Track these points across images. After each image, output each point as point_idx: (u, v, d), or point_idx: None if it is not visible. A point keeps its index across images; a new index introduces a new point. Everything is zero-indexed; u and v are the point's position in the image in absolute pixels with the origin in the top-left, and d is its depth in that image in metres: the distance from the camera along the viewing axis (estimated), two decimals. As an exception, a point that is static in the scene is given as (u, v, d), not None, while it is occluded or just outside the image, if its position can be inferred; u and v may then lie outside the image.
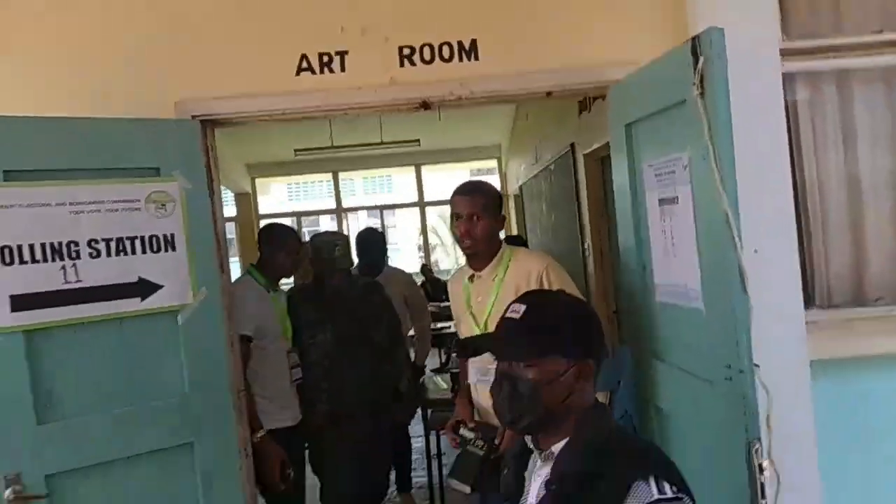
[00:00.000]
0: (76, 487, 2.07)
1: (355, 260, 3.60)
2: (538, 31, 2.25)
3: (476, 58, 2.28)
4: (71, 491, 2.05)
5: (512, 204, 9.18)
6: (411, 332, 4.04)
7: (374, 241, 3.99)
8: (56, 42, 2.30)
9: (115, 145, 2.18)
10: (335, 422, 2.96)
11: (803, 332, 2.07)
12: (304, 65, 2.31)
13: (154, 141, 2.23)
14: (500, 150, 9.88)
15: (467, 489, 2.04)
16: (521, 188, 8.02)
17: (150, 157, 2.23)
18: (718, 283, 1.64)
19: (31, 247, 2.05)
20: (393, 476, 3.75)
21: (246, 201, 10.58)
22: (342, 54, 2.30)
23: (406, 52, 2.29)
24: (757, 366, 1.58)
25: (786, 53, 2.17)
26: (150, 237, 2.23)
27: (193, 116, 2.33)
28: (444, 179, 13.38)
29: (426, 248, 11.14)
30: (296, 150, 8.30)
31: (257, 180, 10.77)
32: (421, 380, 4.09)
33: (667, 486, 1.09)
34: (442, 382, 3.98)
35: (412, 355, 3.92)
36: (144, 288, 2.22)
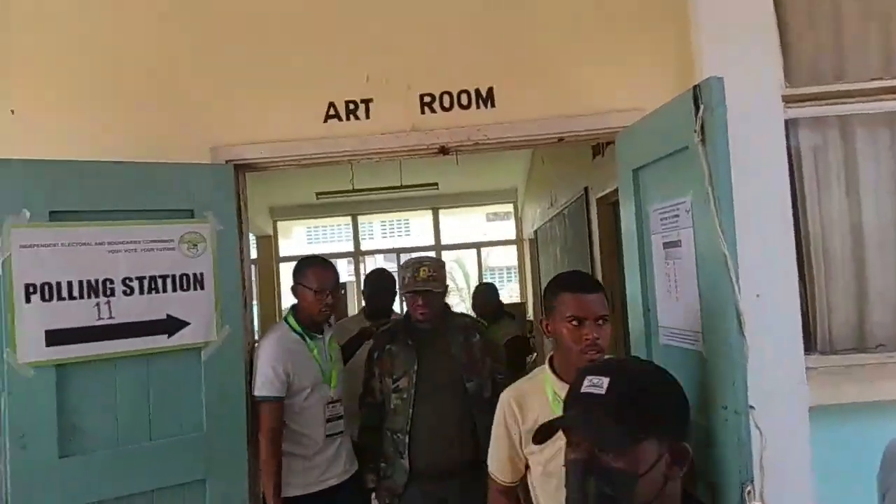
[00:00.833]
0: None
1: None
2: (551, 80, 2.37)
3: (492, 105, 2.40)
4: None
5: (526, 248, 9.26)
6: None
7: (383, 283, 3.54)
8: (101, 89, 2.46)
9: (153, 188, 2.31)
10: (416, 482, 2.50)
11: (803, 376, 2.10)
12: (332, 112, 2.45)
13: (190, 184, 2.36)
14: (516, 194, 10.02)
15: None
16: (535, 232, 8.11)
17: (185, 200, 2.36)
18: (717, 326, 1.69)
19: (70, 284, 2.17)
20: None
21: (267, 244, 10.76)
22: (367, 102, 2.44)
23: (427, 99, 2.42)
24: (752, 408, 1.62)
25: (789, 100, 2.27)
26: (181, 276, 2.34)
27: (227, 161, 2.46)
28: (461, 224, 13.54)
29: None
30: (317, 194, 8.49)
31: (279, 223, 10.99)
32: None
33: None
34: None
35: None
36: (172, 325, 2.32)
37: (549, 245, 7.10)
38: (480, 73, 2.39)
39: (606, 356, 1.66)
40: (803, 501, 2.05)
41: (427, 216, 10.86)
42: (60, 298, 2.15)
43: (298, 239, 13.21)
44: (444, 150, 2.43)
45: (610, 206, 4.19)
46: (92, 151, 2.23)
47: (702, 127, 1.66)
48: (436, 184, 8.28)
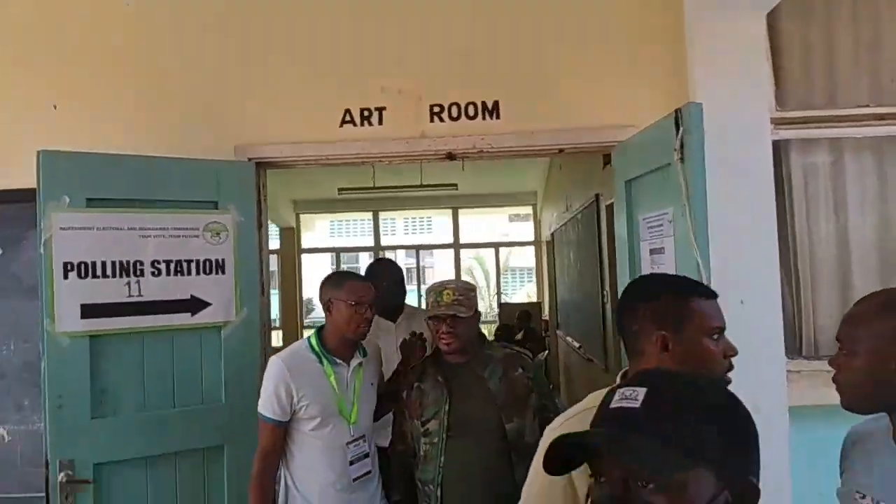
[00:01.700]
0: (118, 477, 2.35)
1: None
2: (553, 95, 2.54)
3: (497, 116, 2.57)
4: (114, 480, 2.34)
5: (544, 250, 9.40)
6: None
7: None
8: (138, 90, 2.67)
9: (181, 181, 2.51)
10: None
11: (783, 379, 2.24)
12: (347, 118, 2.64)
13: (215, 178, 2.56)
14: (535, 196, 10.16)
15: None
16: (552, 235, 8.25)
17: (210, 192, 2.56)
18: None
19: (103, 263, 2.38)
20: None
21: (290, 235, 11.04)
22: (381, 110, 2.63)
23: (436, 109, 2.60)
24: None
25: (778, 122, 2.41)
26: (204, 261, 2.55)
27: (249, 159, 2.66)
28: (482, 223, 13.71)
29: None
30: (339, 189, 8.72)
31: (302, 216, 11.25)
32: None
33: None
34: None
35: None
36: (195, 304, 2.52)
37: (563, 247, 7.25)
38: (487, 86, 2.57)
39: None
40: (781, 499, 2.19)
41: (448, 215, 11.04)
42: (95, 276, 2.36)
43: (321, 232, 13.48)
44: (451, 156, 2.61)
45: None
46: (126, 145, 2.44)
47: (681, 146, 1.82)
48: (455, 184, 8.46)
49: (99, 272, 2.37)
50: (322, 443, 2.20)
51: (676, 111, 1.85)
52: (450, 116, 2.58)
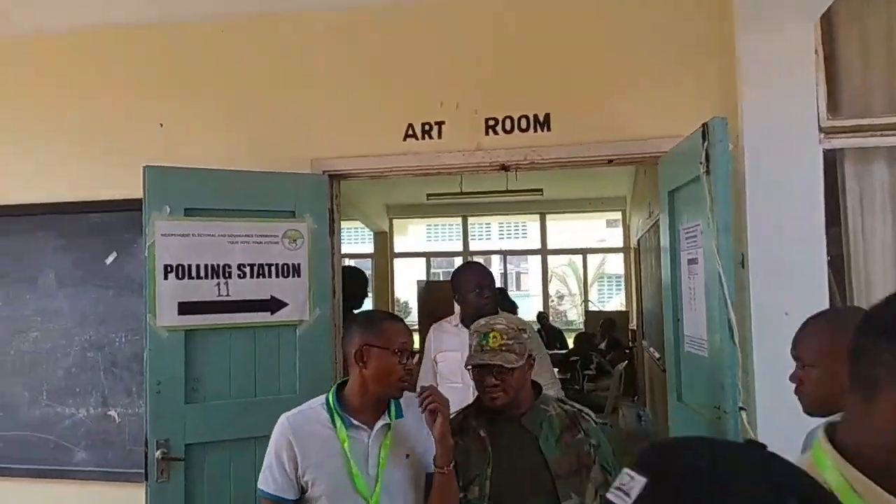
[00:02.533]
0: (205, 456, 2.65)
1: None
2: (601, 107, 2.64)
3: (548, 129, 2.70)
4: (202, 458, 2.65)
5: (632, 257, 9.27)
6: None
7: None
8: (227, 110, 3.02)
9: (264, 192, 2.81)
10: None
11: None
12: (410, 132, 2.86)
13: (293, 190, 2.85)
14: (624, 202, 10.03)
15: None
16: (638, 242, 8.15)
17: (288, 202, 2.85)
18: (716, 334, 1.91)
19: (198, 266, 2.72)
20: None
21: (383, 239, 11.50)
22: (440, 124, 2.83)
23: (491, 122, 2.76)
24: (743, 408, 1.82)
25: (830, 131, 2.38)
26: (283, 265, 2.84)
27: (324, 171, 2.94)
28: (578, 227, 13.61)
29: (545, 296, 11.41)
30: (428, 195, 9.03)
31: (395, 220, 11.69)
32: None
33: None
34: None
35: None
36: (274, 304, 2.82)
37: (647, 255, 7.16)
38: (539, 99, 2.70)
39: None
40: None
41: (538, 220, 11.11)
42: (190, 277, 2.71)
43: (414, 236, 13.87)
44: (504, 168, 2.77)
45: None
46: (216, 159, 2.78)
47: (706, 159, 1.89)
48: (540, 189, 8.54)
49: (193, 274, 2.71)
50: None
51: (703, 125, 1.92)
52: (504, 129, 2.74)
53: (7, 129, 3.20)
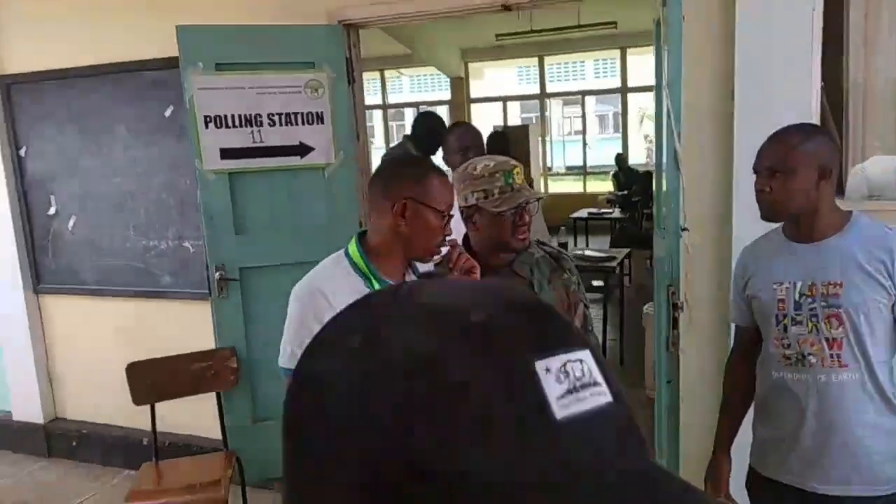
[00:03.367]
0: (255, 278, 3.17)
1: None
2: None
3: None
4: (252, 280, 3.16)
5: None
6: None
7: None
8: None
9: (286, 46, 3.06)
10: None
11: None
12: (417, -23, 2.94)
13: (310, 42, 3.07)
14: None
15: None
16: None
17: (308, 54, 3.09)
18: (664, 160, 2.06)
19: (233, 116, 3.07)
20: None
21: (459, 85, 11.47)
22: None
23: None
24: (685, 229, 2.01)
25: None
26: (307, 113, 3.14)
27: (339, 21, 3.11)
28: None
29: (624, 137, 11.15)
30: (497, 35, 8.83)
31: (470, 65, 11.55)
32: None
33: None
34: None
35: None
36: (303, 150, 3.16)
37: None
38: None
39: None
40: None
41: (616, 56, 10.62)
42: (227, 126, 3.07)
43: (493, 80, 13.62)
44: (506, 7, 2.83)
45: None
46: (238, 16, 3.01)
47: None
48: (614, 23, 8.14)
49: (230, 123, 3.07)
50: None
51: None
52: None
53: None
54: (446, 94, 11.40)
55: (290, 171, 3.17)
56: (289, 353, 1.56)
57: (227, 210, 3.10)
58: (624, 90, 10.43)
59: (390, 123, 12.78)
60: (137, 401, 2.96)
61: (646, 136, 14.38)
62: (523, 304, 0.36)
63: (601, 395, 0.33)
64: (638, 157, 12.02)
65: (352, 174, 3.22)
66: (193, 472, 2.85)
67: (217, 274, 3.10)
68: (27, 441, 3.97)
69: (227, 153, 3.08)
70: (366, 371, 0.33)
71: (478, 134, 2.59)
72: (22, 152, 3.82)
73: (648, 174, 8.34)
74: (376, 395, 0.32)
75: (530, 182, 1.73)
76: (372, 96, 11.47)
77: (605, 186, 10.82)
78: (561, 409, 0.31)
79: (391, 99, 12.66)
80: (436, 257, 1.66)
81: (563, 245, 5.80)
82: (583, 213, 8.69)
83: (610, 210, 8.58)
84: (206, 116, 3.04)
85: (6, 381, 4.02)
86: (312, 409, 0.35)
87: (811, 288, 1.65)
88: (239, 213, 3.13)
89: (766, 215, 1.69)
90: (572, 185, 12.72)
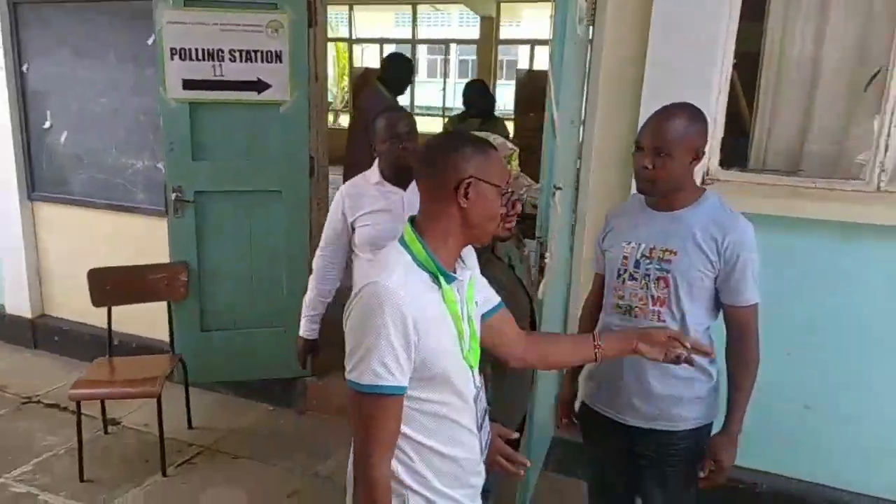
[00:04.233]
0: (209, 202, 3.45)
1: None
2: None
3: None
4: (206, 203, 3.45)
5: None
6: None
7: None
8: None
9: (250, -14, 3.24)
10: None
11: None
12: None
13: (274, -16, 3.25)
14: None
15: None
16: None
17: (271, -4, 3.27)
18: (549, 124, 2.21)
19: (197, 50, 3.29)
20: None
21: (489, 25, 11.37)
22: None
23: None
24: (559, 188, 2.20)
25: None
26: (267, 51, 3.34)
27: (302, -34, 3.27)
28: None
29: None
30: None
31: (503, 4, 11.39)
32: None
33: None
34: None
35: None
36: (261, 86, 3.37)
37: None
38: None
39: None
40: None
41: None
42: (191, 59, 3.30)
43: (529, 24, 13.39)
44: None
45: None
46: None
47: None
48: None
49: (194, 56, 3.30)
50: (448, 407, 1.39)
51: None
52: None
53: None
54: (475, 33, 11.28)
55: (247, 105, 3.39)
56: (373, 371, 1.26)
57: (186, 137, 3.36)
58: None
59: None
60: (95, 303, 3.33)
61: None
62: None
63: None
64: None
65: (304, 113, 3.43)
66: (138, 369, 3.21)
67: (174, 195, 3.39)
68: (17, 333, 4.44)
69: (189, 84, 3.32)
70: None
71: (414, 122, 2.45)
72: (24, 68, 4.12)
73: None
74: None
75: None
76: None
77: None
78: None
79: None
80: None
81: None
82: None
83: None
84: (171, 48, 3.27)
85: (1, 275, 4.46)
86: None
87: (651, 251, 1.88)
88: (197, 141, 3.39)
89: (643, 188, 1.88)
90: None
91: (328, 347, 2.47)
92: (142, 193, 3.94)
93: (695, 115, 1.82)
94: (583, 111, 2.82)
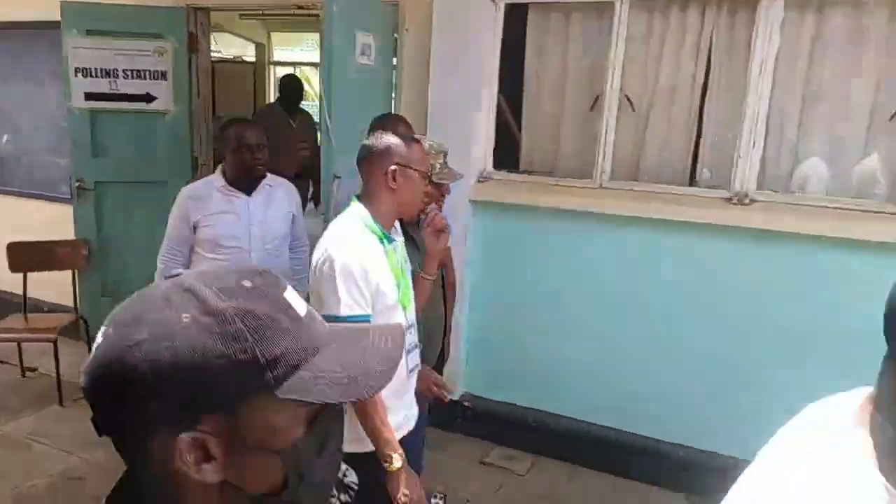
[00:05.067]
0: (108, 191, 4.30)
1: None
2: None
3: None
4: (106, 192, 4.29)
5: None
6: None
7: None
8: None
9: (142, 20, 4.12)
10: None
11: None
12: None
13: (161, 18, 4.13)
14: None
15: None
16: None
17: (157, 28, 4.14)
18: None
19: (96, 69, 4.15)
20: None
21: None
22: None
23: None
24: (337, 177, 3.09)
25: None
26: (154, 71, 4.21)
27: (186, 4, 4.16)
28: None
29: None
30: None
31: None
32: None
33: None
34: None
35: None
36: (149, 98, 4.24)
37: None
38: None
39: None
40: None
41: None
42: (92, 77, 4.16)
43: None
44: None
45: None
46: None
47: None
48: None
49: (93, 74, 4.16)
50: None
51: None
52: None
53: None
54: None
55: (137, 114, 4.26)
56: (343, 302, 1.71)
57: (87, 138, 4.21)
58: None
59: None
60: (13, 269, 4.15)
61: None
62: (258, 271, 0.69)
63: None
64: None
65: (184, 121, 4.30)
66: (44, 322, 4.03)
67: (77, 184, 4.23)
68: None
69: (90, 96, 4.18)
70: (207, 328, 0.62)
71: (263, 134, 2.77)
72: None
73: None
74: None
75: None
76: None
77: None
78: (300, 312, 0.69)
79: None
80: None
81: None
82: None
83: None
84: (76, 68, 4.13)
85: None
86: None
87: None
88: (97, 141, 4.24)
89: None
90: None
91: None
92: (64, 185, 4.77)
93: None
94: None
